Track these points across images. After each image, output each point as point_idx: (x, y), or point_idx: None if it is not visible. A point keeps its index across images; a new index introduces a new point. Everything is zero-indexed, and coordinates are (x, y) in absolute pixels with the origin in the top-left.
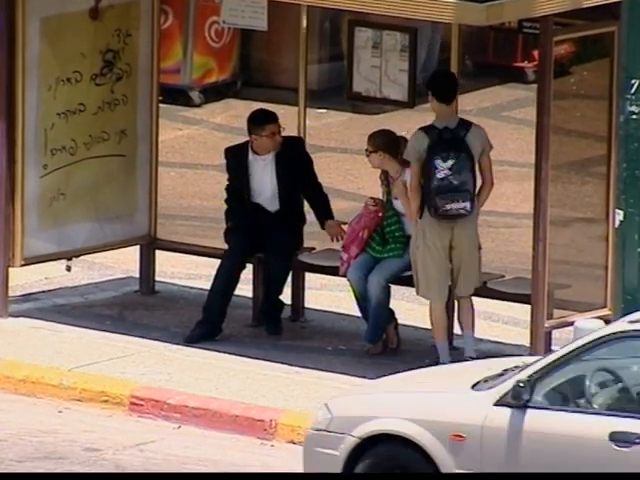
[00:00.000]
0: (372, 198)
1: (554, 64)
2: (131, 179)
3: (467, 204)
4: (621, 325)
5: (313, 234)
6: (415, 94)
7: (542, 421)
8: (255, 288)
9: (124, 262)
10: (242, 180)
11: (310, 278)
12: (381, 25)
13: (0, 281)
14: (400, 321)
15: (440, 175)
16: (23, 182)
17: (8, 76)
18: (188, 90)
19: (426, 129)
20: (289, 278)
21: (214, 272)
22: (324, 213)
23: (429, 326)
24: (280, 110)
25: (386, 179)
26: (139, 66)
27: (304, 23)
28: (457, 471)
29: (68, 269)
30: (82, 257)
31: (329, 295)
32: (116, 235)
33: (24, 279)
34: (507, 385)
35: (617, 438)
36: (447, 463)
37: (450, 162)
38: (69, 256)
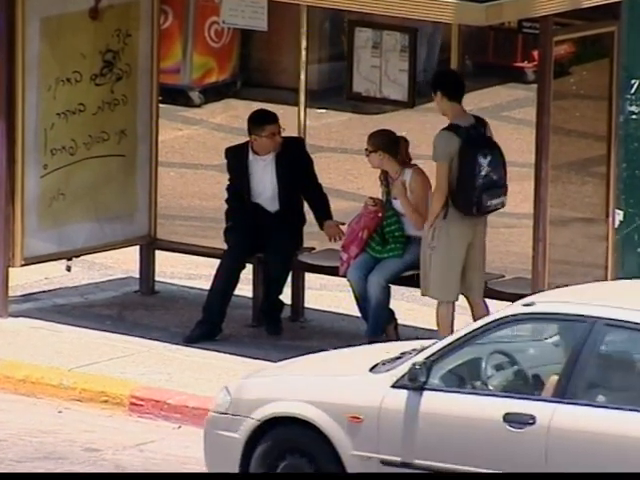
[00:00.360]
0: (372, 198)
1: (554, 64)
2: (131, 179)
3: (504, 198)
4: (515, 308)
5: (313, 234)
6: (415, 94)
7: (438, 403)
8: (255, 288)
9: (124, 262)
10: (242, 180)
11: (310, 278)
12: (381, 25)
13: (0, 281)
14: (400, 321)
15: (484, 172)
16: (23, 182)
17: (8, 76)
18: (188, 90)
19: (452, 129)
20: (289, 278)
21: (214, 272)
22: (323, 213)
23: (429, 326)
24: (280, 110)
25: (385, 179)
26: (139, 66)
27: (304, 23)
28: (354, 453)
29: (68, 269)
30: (82, 257)
31: (329, 295)
32: (116, 235)
33: (24, 279)
34: (404, 367)
35: (511, 419)
36: (345, 445)
37: (489, 158)
38: (69, 256)
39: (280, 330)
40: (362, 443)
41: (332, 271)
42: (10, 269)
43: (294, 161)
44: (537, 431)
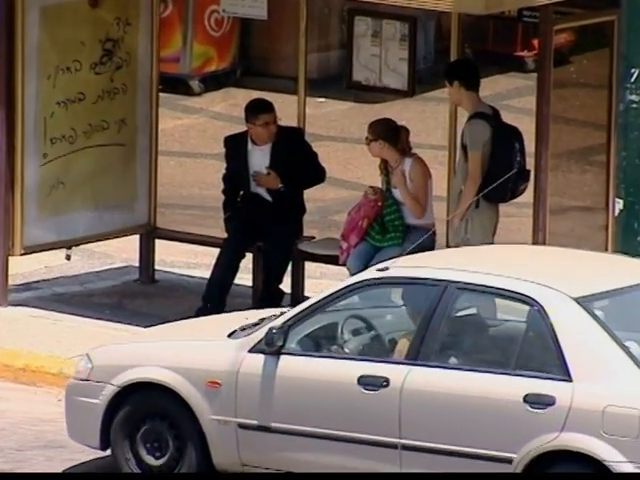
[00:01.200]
0: (371, 187)
1: (554, 53)
2: (131, 168)
3: (527, 183)
4: (370, 273)
5: (313, 223)
6: (415, 83)
7: (295, 367)
8: (255, 277)
9: (124, 251)
10: (241, 169)
11: (310, 267)
12: (381, 14)
13: (0, 270)
14: None
15: (519, 158)
16: (23, 171)
17: (8, 65)
18: (188, 79)
19: (483, 117)
20: (289, 267)
21: (214, 261)
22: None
23: None
24: (279, 99)
25: (385, 168)
26: (139, 55)
27: (304, 12)
28: (213, 417)
29: (68, 258)
30: (82, 246)
31: (329, 284)
32: (116, 224)
33: (24, 268)
34: (261, 332)
35: (365, 382)
36: (203, 409)
37: (517, 145)
38: (69, 245)
39: None
40: (220, 407)
41: (332, 260)
42: (10, 258)
43: (292, 151)
44: (390, 393)
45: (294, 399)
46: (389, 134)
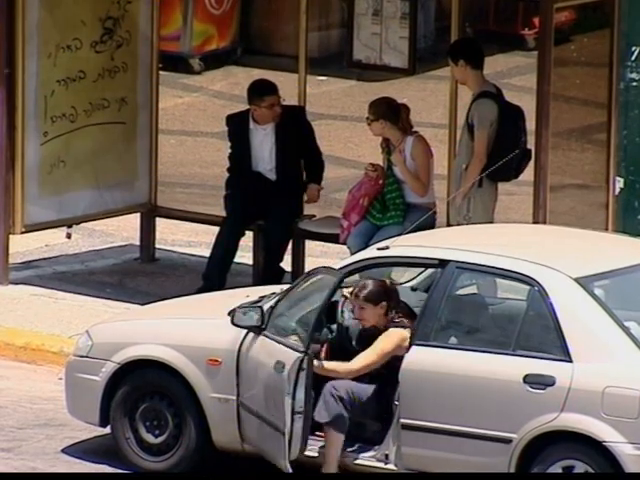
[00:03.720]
0: (371, 164)
1: (554, 31)
2: (131, 147)
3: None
4: (370, 252)
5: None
6: (415, 61)
7: None
8: (255, 255)
9: (124, 229)
10: (243, 148)
11: (310, 245)
12: None
13: (0, 248)
14: None
15: (523, 138)
16: (23, 149)
17: (8, 43)
18: (188, 57)
19: (490, 96)
20: (289, 245)
21: (214, 239)
22: (313, 178)
23: None
24: (280, 78)
25: (387, 146)
26: (139, 33)
27: None
28: (213, 395)
29: (68, 236)
30: (82, 224)
31: (329, 262)
32: (116, 203)
33: (24, 246)
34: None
35: None
36: (204, 387)
37: (521, 124)
38: (69, 223)
39: None
40: (221, 385)
41: (332, 238)
42: (10, 236)
43: (294, 130)
44: None
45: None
46: (389, 113)
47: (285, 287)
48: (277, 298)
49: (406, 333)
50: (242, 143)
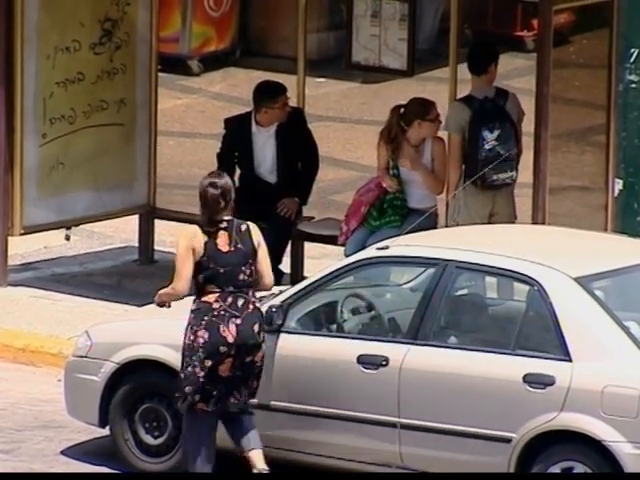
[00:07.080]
0: (393, 178)
1: (554, 33)
2: (130, 148)
3: (513, 173)
4: (369, 252)
5: (312, 203)
6: (414, 63)
7: (294, 345)
8: None
9: (123, 231)
10: (245, 151)
11: (309, 247)
12: None
13: None
14: None
15: (488, 146)
16: (22, 151)
17: (7, 45)
18: (187, 59)
19: (465, 100)
20: (288, 247)
21: None
22: (297, 189)
23: None
24: (279, 79)
25: (396, 148)
26: (138, 35)
27: None
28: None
29: (67, 238)
30: (81, 226)
31: (328, 264)
32: (115, 204)
33: (23, 248)
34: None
35: (364, 361)
36: None
37: (496, 132)
38: (68, 225)
39: None
40: None
41: (331, 240)
42: (9, 238)
43: (295, 132)
44: (390, 372)
45: (293, 378)
46: (423, 112)
47: (285, 287)
48: (296, 297)
49: (195, 227)
50: (244, 146)
